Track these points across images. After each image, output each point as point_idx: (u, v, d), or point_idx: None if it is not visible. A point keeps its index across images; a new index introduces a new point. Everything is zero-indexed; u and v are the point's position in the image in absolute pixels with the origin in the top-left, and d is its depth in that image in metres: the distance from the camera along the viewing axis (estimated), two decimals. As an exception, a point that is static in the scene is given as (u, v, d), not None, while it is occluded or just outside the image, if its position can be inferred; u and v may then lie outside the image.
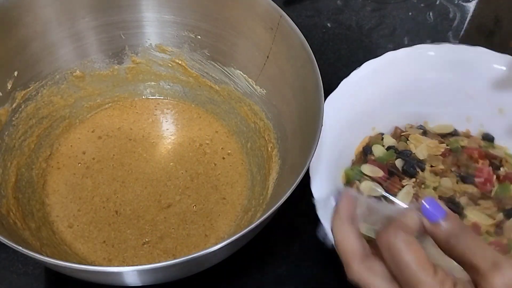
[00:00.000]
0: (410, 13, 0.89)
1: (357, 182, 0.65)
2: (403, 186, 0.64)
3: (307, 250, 0.65)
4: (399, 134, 0.70)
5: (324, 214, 0.56)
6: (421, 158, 0.66)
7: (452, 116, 0.71)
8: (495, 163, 0.66)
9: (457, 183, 0.64)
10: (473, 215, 0.61)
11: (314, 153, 0.49)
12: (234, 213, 0.63)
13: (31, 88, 0.63)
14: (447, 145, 0.67)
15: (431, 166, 0.65)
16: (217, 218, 0.63)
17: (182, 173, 0.66)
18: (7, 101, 0.60)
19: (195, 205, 0.64)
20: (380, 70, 0.69)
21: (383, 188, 0.64)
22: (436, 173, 0.65)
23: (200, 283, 0.60)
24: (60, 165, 0.66)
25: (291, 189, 0.48)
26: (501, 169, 0.65)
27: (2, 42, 0.58)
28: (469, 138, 0.69)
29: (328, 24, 0.86)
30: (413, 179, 0.64)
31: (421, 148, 0.66)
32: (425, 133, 0.69)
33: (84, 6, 0.63)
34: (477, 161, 0.66)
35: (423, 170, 0.65)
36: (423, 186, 0.64)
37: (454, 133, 0.70)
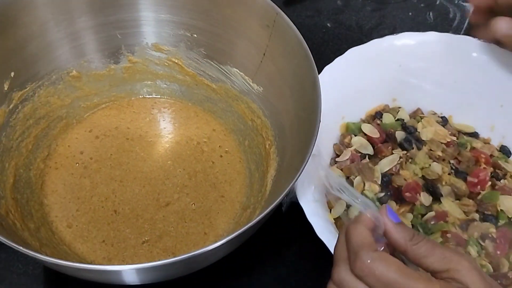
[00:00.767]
0: (410, 13, 0.90)
1: (352, 135, 0.68)
2: (391, 154, 0.66)
3: (306, 250, 0.65)
4: (417, 115, 0.71)
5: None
6: (423, 139, 0.67)
7: (478, 120, 0.71)
8: (499, 173, 0.66)
9: (449, 174, 0.65)
10: (448, 205, 0.62)
11: (312, 150, 0.49)
12: (233, 210, 0.64)
13: (28, 88, 0.63)
14: (456, 139, 0.68)
15: (430, 150, 0.67)
16: (216, 216, 0.63)
17: (180, 171, 0.66)
18: (4, 102, 0.60)
19: (193, 203, 0.64)
20: (420, 45, 0.70)
21: (374, 149, 0.67)
22: (431, 157, 0.66)
23: (200, 283, 0.60)
24: (58, 165, 0.66)
25: (290, 185, 0.48)
26: (502, 181, 0.65)
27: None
28: (486, 144, 0.69)
29: (328, 24, 0.87)
30: (404, 152, 0.66)
31: (427, 130, 0.68)
32: (444, 124, 0.70)
33: (81, 6, 0.63)
34: (480, 165, 0.66)
35: (419, 149, 0.66)
36: (410, 161, 0.66)
37: (473, 135, 0.71)
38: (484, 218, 0.62)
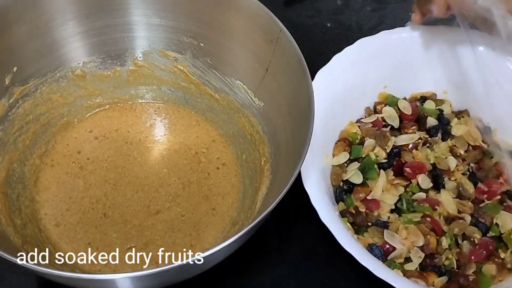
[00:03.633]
0: (410, 13, 0.88)
1: (387, 105, 0.71)
2: (414, 133, 0.68)
3: (306, 250, 0.65)
4: (461, 114, 0.72)
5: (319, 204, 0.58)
6: (452, 133, 0.69)
7: None
8: None
9: (463, 174, 0.66)
10: (445, 197, 0.64)
11: (296, 173, 0.47)
12: (223, 225, 0.63)
13: (30, 84, 0.63)
14: (486, 147, 0.69)
15: (454, 146, 0.68)
16: (205, 228, 0.62)
17: (174, 180, 0.65)
18: (3, 96, 0.60)
19: (184, 214, 0.63)
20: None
21: (400, 124, 0.70)
22: (451, 152, 0.67)
23: (199, 283, 0.59)
24: (54, 162, 0.66)
25: (273, 204, 0.47)
26: None
27: (2, 38, 0.58)
28: None
29: (328, 24, 0.86)
30: (426, 136, 0.68)
31: (459, 128, 0.69)
32: (485, 133, 0.70)
33: (89, 6, 0.63)
34: (499, 179, 0.66)
35: (444, 140, 0.68)
36: (427, 145, 0.67)
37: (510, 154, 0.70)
38: (475, 223, 0.63)
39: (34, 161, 0.65)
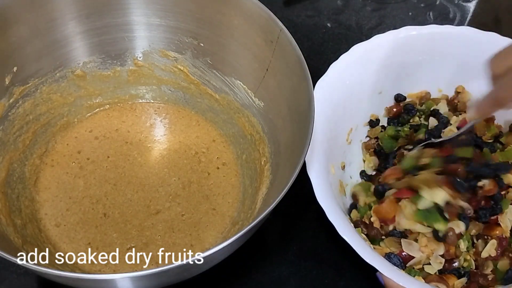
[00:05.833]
0: (410, 13, 0.89)
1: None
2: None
3: (306, 250, 0.65)
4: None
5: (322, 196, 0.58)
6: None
7: None
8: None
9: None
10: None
11: (297, 173, 0.47)
12: (223, 224, 0.63)
13: (30, 84, 0.63)
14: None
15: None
16: (205, 228, 0.62)
17: (174, 180, 0.65)
18: (4, 96, 0.60)
19: (184, 214, 0.63)
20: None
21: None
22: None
23: (199, 283, 0.60)
24: (54, 162, 0.66)
25: (272, 206, 0.47)
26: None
27: (2, 37, 0.58)
28: None
29: (328, 24, 0.87)
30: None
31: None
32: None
33: (89, 6, 0.63)
34: None
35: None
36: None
37: None
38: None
39: (34, 161, 0.65)
